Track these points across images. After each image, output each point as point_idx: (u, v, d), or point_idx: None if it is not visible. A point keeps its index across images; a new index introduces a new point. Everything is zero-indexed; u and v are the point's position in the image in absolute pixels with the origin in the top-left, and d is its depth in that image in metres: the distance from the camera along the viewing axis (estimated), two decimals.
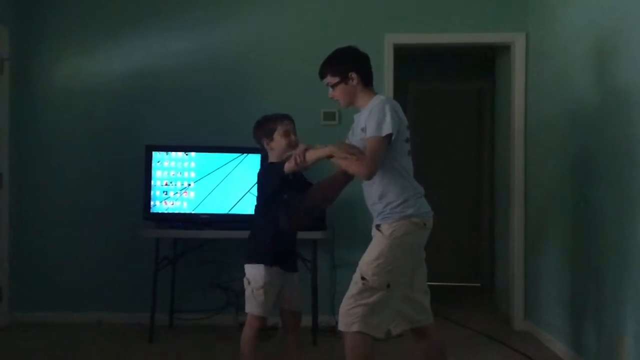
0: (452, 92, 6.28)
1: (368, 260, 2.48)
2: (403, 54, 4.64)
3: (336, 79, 2.57)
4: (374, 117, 2.43)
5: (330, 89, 2.61)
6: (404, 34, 4.50)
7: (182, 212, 4.14)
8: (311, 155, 2.54)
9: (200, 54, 4.51)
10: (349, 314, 2.44)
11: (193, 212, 4.13)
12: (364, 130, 2.47)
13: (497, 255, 5.22)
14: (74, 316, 4.42)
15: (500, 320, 4.65)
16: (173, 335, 4.21)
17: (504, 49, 4.75)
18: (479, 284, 6.10)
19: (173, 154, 4.17)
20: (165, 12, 4.54)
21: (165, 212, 4.14)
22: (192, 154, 4.17)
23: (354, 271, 2.55)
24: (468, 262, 6.19)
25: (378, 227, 2.56)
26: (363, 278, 2.44)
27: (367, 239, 4.36)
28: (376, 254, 2.48)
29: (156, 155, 4.16)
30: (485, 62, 5.44)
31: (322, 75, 2.63)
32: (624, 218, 2.99)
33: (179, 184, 4.16)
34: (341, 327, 2.47)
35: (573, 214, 3.63)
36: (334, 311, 4.28)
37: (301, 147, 2.58)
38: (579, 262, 3.53)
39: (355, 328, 2.42)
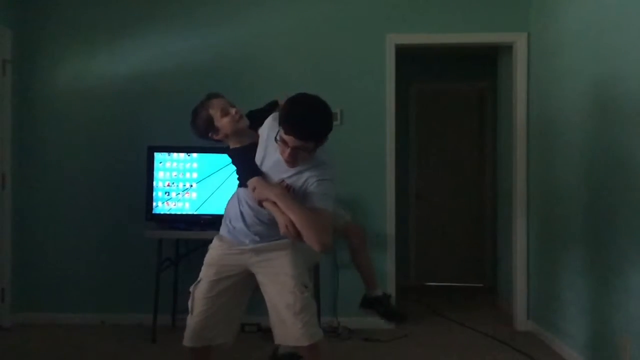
0: (454, 92, 6.27)
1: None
2: (405, 54, 4.64)
3: (313, 145, 2.17)
4: (327, 186, 2.24)
5: (294, 153, 2.16)
6: (405, 34, 4.49)
7: (184, 212, 4.15)
8: (261, 195, 2.27)
9: (202, 54, 4.52)
10: (310, 325, 2.40)
11: (195, 212, 4.13)
12: (302, 179, 2.26)
13: (500, 256, 5.22)
14: (77, 317, 4.43)
15: (502, 320, 4.64)
16: (175, 335, 4.19)
17: (505, 49, 4.75)
18: (481, 285, 6.09)
19: (175, 154, 4.17)
20: (166, 13, 4.55)
21: (168, 212, 4.15)
22: (194, 154, 4.17)
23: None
24: (470, 263, 6.18)
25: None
26: (306, 286, 2.42)
27: (368, 240, 4.40)
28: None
29: (158, 156, 4.17)
30: (487, 62, 5.44)
31: (317, 140, 2.17)
32: (629, 218, 2.99)
33: (181, 184, 4.17)
34: (306, 342, 2.39)
35: (577, 215, 3.62)
36: (336, 312, 4.28)
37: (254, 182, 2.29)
38: (582, 262, 3.52)
39: (320, 334, 2.44)
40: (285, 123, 2.13)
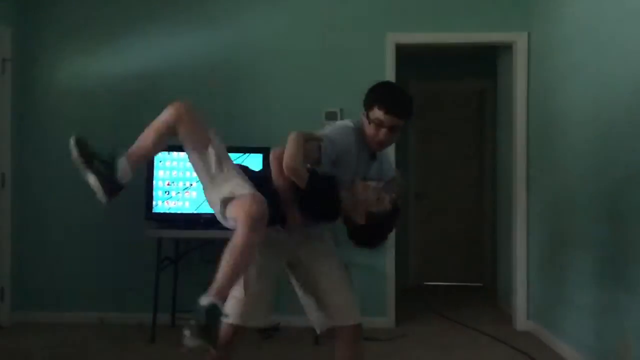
0: (454, 92, 6.27)
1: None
2: (405, 53, 4.64)
3: (404, 124, 2.32)
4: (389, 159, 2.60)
5: (390, 133, 2.28)
6: (405, 33, 4.49)
7: (184, 212, 4.14)
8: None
9: (201, 54, 4.51)
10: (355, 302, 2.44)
11: (195, 212, 4.13)
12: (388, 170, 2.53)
13: (500, 255, 5.22)
14: (76, 316, 4.42)
15: (502, 320, 4.64)
16: (174, 335, 4.19)
17: (506, 49, 4.74)
18: (481, 284, 6.09)
19: (175, 153, 4.16)
20: (167, 13, 4.54)
21: (167, 212, 4.14)
22: None
23: (354, 273, 2.56)
24: (470, 262, 6.18)
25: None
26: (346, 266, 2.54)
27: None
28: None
29: (158, 155, 4.16)
30: (487, 61, 5.43)
31: (409, 118, 2.31)
32: (627, 217, 2.98)
33: (180, 183, 4.16)
34: (358, 319, 2.44)
35: (576, 214, 3.62)
36: None
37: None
38: (582, 262, 3.52)
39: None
40: (384, 103, 2.24)
